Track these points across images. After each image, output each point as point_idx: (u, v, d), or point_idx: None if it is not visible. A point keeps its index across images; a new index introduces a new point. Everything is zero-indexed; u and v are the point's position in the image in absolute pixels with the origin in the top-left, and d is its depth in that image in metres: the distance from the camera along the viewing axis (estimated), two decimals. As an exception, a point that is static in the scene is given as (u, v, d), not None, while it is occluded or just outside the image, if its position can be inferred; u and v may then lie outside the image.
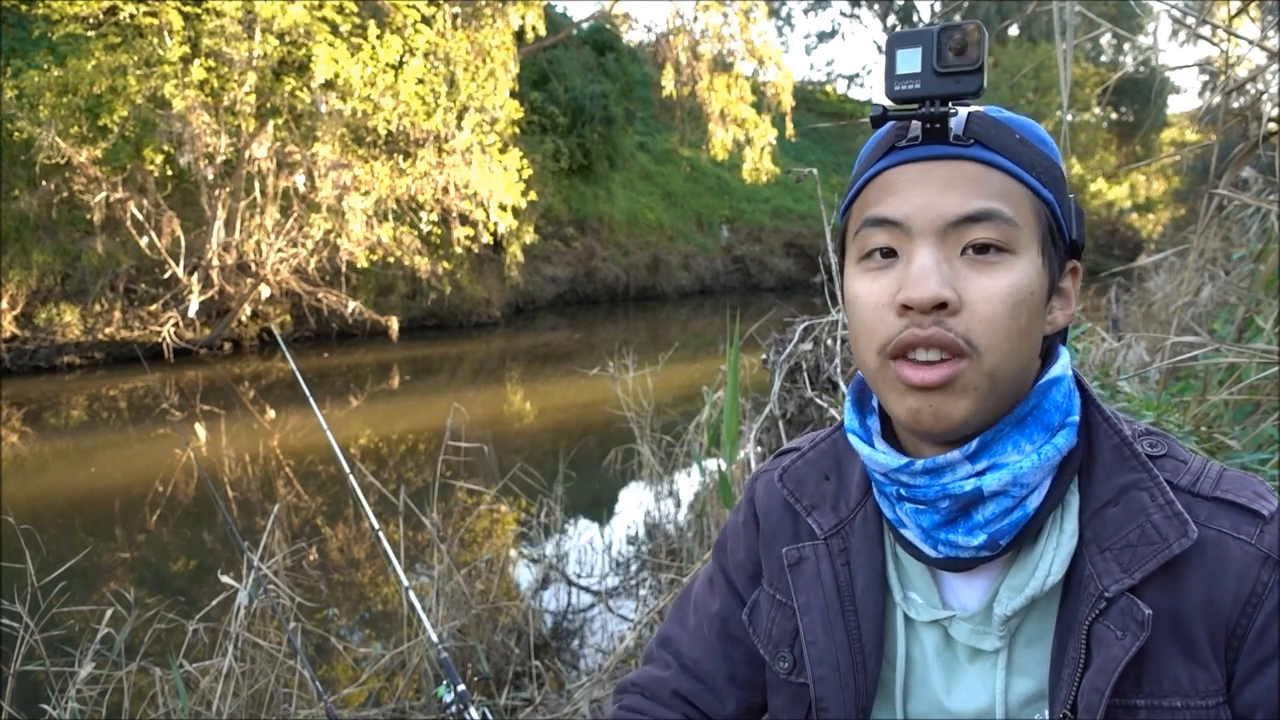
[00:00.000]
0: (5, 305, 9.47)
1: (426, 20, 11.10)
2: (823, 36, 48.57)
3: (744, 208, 22.79)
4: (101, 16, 9.21)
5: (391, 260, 11.84)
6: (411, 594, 2.01)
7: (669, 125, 21.45)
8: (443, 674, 1.64)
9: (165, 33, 9.25)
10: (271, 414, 7.86)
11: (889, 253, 0.66)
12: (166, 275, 10.41)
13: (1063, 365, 0.69)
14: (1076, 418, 0.68)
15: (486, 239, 12.31)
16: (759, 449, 3.09)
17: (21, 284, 9.70)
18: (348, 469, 2.25)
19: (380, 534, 2.06)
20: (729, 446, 2.75)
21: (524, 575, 4.08)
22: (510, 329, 14.36)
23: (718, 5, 16.76)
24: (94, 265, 10.17)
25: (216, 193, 10.40)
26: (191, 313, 10.31)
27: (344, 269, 11.48)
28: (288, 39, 9.71)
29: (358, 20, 10.20)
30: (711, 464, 3.37)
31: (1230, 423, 1.98)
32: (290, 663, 2.43)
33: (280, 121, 10.23)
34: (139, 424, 7.60)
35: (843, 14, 41.88)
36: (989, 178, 0.65)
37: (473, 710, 1.51)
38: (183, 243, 10.25)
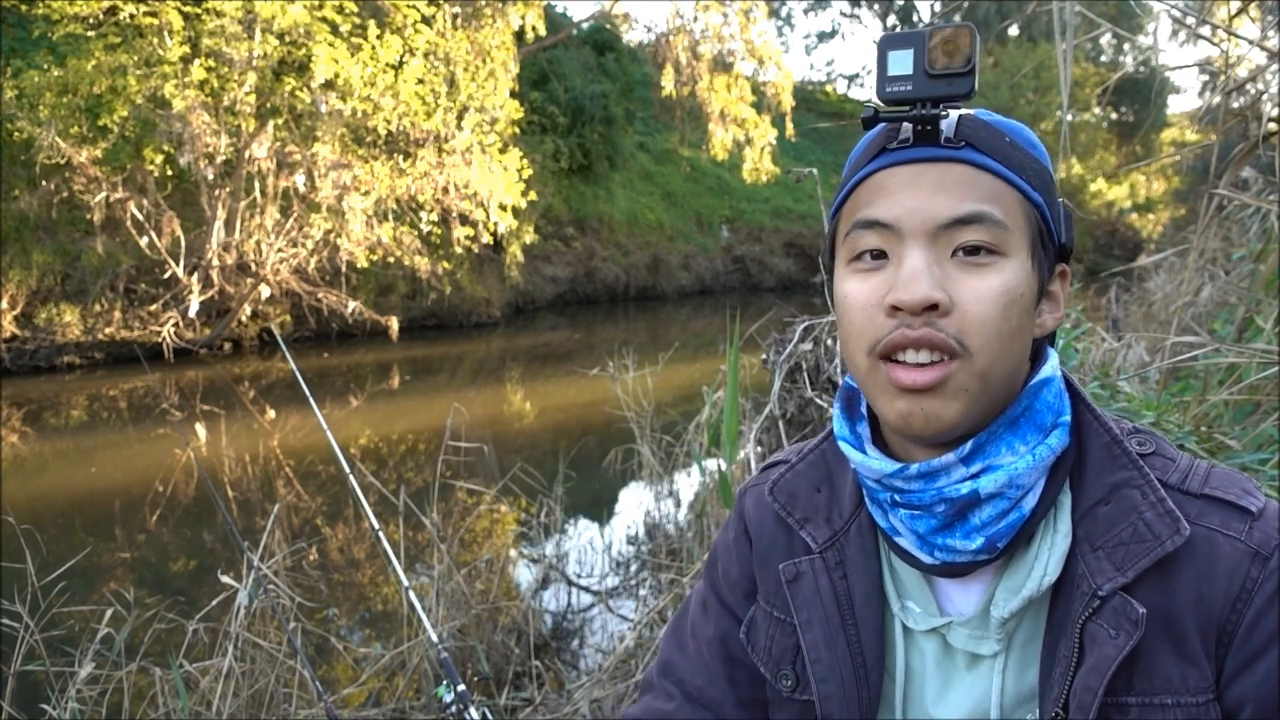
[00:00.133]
0: (5, 305, 9.47)
1: (426, 20, 11.10)
2: (823, 36, 48.66)
3: (744, 208, 22.79)
4: (101, 16, 9.21)
5: (391, 260, 11.84)
6: (411, 594, 2.01)
7: (669, 125, 21.44)
8: (443, 674, 1.64)
9: (165, 33, 9.25)
10: (271, 414, 7.86)
11: (879, 254, 0.66)
12: (166, 275, 10.42)
13: (1052, 366, 0.69)
14: (1068, 418, 0.68)
15: (486, 239, 12.31)
16: (759, 449, 3.09)
17: (21, 284, 9.70)
18: (348, 469, 2.25)
19: (380, 534, 2.06)
20: (729, 446, 2.75)
21: (524, 575, 4.09)
22: (510, 329, 14.36)
23: (718, 5, 16.75)
24: (94, 265, 10.17)
25: (216, 193, 10.40)
26: (191, 313, 10.31)
27: (344, 269, 11.48)
28: (288, 39, 9.71)
29: (358, 20, 10.20)
30: (711, 464, 3.37)
31: (1230, 423, 1.99)
32: (290, 663, 2.43)
33: (280, 121, 10.23)
34: (139, 424, 7.60)
35: (843, 14, 41.94)
36: (980, 180, 0.65)
37: (473, 710, 1.51)
38: (183, 243, 10.25)
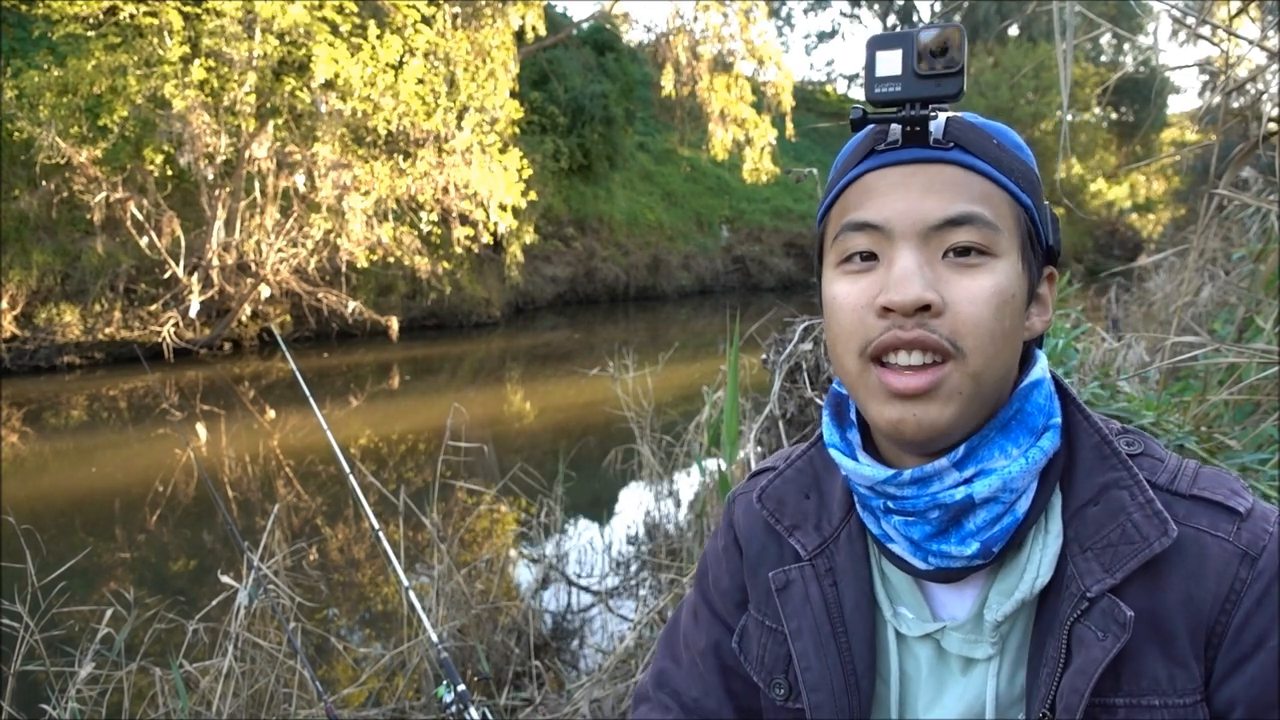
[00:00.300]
0: (5, 305, 9.47)
1: (426, 20, 11.10)
2: (823, 36, 48.74)
3: (744, 208, 22.79)
4: (101, 16, 9.21)
5: (391, 260, 11.84)
6: (411, 594, 2.01)
7: (669, 125, 21.44)
8: (443, 674, 1.65)
9: (165, 33, 9.25)
10: (271, 414, 7.86)
11: (869, 256, 0.66)
12: (166, 275, 10.42)
13: (1042, 368, 0.69)
14: (1059, 419, 0.68)
15: (486, 239, 12.31)
16: (759, 449, 3.09)
17: (21, 284, 9.70)
18: (348, 469, 2.25)
19: (380, 534, 2.06)
20: (729, 446, 2.75)
21: (524, 575, 4.09)
22: (510, 329, 14.36)
23: (718, 5, 16.75)
24: (94, 265, 10.17)
25: (216, 193, 10.41)
26: (192, 313, 10.31)
27: (344, 269, 11.48)
28: (288, 39, 9.71)
29: (358, 20, 10.21)
30: (711, 464, 3.37)
31: (1230, 423, 1.99)
32: (290, 663, 2.43)
33: (280, 121, 10.23)
34: (139, 424, 7.61)
35: (843, 14, 41.96)
36: (969, 181, 0.65)
37: (473, 710, 1.51)
38: (183, 243, 10.26)
